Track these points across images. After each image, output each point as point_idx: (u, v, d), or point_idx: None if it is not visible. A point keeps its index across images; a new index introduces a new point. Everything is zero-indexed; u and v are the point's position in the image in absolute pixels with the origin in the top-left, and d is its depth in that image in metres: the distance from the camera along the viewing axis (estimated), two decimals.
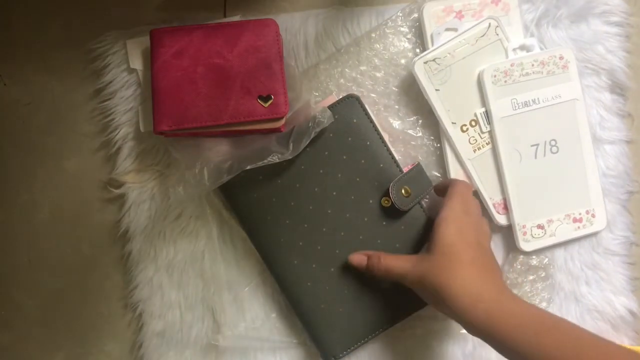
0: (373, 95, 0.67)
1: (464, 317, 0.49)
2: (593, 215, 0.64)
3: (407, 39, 0.67)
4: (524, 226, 0.64)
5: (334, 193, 0.63)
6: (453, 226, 0.54)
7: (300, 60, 0.69)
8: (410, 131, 0.67)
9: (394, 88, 0.67)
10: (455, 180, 0.60)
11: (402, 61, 0.67)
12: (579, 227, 0.65)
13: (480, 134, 0.64)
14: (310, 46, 0.69)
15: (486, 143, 0.64)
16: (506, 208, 0.65)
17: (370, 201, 0.63)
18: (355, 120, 0.63)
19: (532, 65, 0.63)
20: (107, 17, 0.72)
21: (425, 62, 0.63)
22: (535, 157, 0.64)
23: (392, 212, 0.63)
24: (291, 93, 0.64)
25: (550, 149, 0.64)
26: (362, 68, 0.67)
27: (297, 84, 0.65)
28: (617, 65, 0.67)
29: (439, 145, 0.66)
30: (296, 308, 0.65)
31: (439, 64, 0.63)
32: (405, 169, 0.63)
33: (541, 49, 0.66)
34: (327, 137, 0.63)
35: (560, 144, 0.64)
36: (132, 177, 0.69)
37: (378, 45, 0.67)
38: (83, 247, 0.72)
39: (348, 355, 0.66)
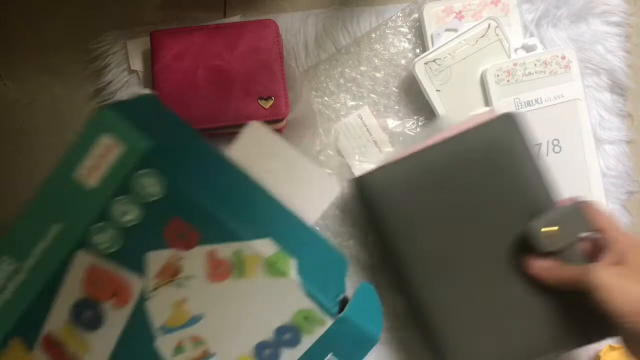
0: (373, 95, 0.67)
1: None
2: None
3: (407, 39, 0.67)
4: None
5: (479, 218, 0.56)
6: (632, 242, 0.51)
7: (300, 60, 0.69)
8: (410, 132, 0.67)
9: (394, 88, 0.67)
10: (594, 204, 0.55)
11: (402, 61, 0.67)
12: None
13: None
14: (310, 46, 0.69)
15: None
16: None
17: (519, 230, 0.55)
18: (511, 141, 0.56)
19: (535, 65, 0.63)
20: (107, 17, 0.71)
21: (425, 63, 0.63)
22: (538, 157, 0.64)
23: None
24: (291, 93, 0.64)
25: (553, 149, 0.64)
26: (362, 68, 0.67)
27: (297, 84, 0.65)
28: (617, 65, 0.67)
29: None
30: (427, 328, 0.58)
31: (439, 65, 0.63)
32: (561, 202, 0.56)
33: (543, 49, 0.66)
34: (480, 156, 0.56)
35: (562, 144, 0.64)
36: None
37: (378, 46, 0.67)
38: None
39: None
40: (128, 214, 0.49)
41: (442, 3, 0.65)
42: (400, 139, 0.66)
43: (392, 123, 0.67)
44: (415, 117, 0.67)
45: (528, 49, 0.65)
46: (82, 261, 0.50)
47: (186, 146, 0.53)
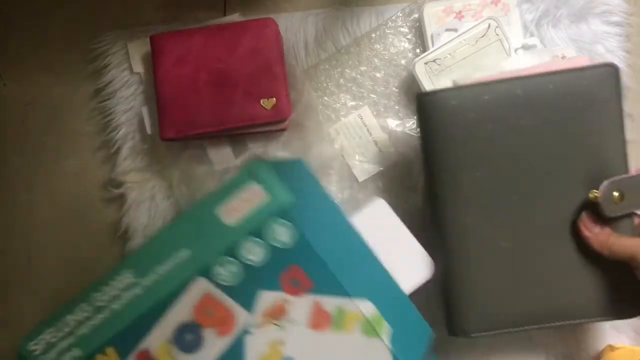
0: (373, 95, 0.67)
1: None
2: None
3: (407, 39, 0.67)
4: None
5: (544, 163, 0.53)
6: None
7: (301, 60, 0.69)
8: (410, 132, 0.67)
9: (394, 88, 0.67)
10: None
11: (402, 61, 0.67)
12: None
13: None
14: (310, 46, 0.69)
15: None
16: None
17: (579, 188, 0.53)
18: (603, 94, 0.52)
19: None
20: (107, 17, 0.72)
21: (425, 63, 0.63)
22: None
23: (596, 210, 0.52)
24: (293, 92, 0.64)
25: None
26: (362, 68, 0.67)
27: (299, 83, 0.65)
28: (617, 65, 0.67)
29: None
30: (450, 271, 0.56)
31: (439, 65, 0.63)
32: (632, 171, 0.53)
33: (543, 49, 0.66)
34: (565, 100, 0.52)
35: None
36: (131, 177, 0.69)
37: (378, 46, 0.67)
38: (83, 247, 0.72)
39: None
40: (254, 254, 0.54)
41: (442, 3, 0.65)
42: (400, 138, 0.66)
43: (392, 123, 0.67)
44: (416, 117, 0.67)
45: (528, 49, 0.65)
46: (200, 287, 0.55)
47: (319, 206, 0.58)
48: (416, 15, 0.67)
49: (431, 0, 0.65)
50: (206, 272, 0.55)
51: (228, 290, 0.55)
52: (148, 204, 0.69)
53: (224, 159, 0.66)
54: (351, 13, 0.69)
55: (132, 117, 0.69)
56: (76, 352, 0.56)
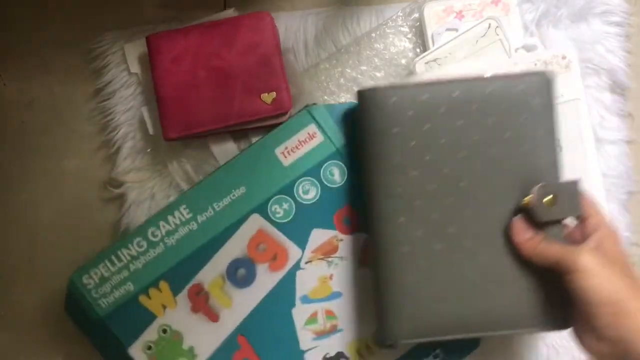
0: None
1: None
2: None
3: (408, 38, 0.67)
4: None
5: (478, 167, 0.53)
6: (613, 233, 0.51)
7: (301, 59, 0.69)
8: None
9: None
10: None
11: (403, 61, 0.67)
12: None
13: None
14: (310, 45, 0.69)
15: None
16: None
17: (511, 193, 0.53)
18: (537, 101, 0.53)
19: (535, 64, 0.63)
20: (107, 17, 0.72)
21: (426, 62, 0.63)
22: None
23: (528, 216, 0.53)
24: (293, 88, 0.65)
25: None
26: (363, 68, 0.67)
27: (299, 78, 0.65)
28: (617, 65, 0.67)
29: None
30: (379, 271, 0.55)
31: (439, 64, 0.63)
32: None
33: (543, 49, 0.66)
34: (500, 105, 0.53)
35: (562, 143, 0.64)
36: (131, 177, 0.69)
37: (378, 45, 0.67)
38: (83, 247, 0.72)
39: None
40: (309, 193, 0.59)
41: (442, 3, 0.65)
42: None
43: None
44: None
45: (528, 48, 0.65)
46: (255, 224, 0.60)
47: None
48: (416, 15, 0.67)
49: (431, 0, 0.65)
50: (261, 209, 0.60)
51: (282, 227, 0.60)
52: (148, 203, 0.69)
53: (228, 155, 0.67)
54: (351, 12, 0.69)
55: (132, 117, 0.69)
56: (129, 286, 0.60)
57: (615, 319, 0.44)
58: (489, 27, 0.63)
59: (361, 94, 0.55)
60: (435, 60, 0.63)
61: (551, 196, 0.51)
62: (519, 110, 0.53)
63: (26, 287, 0.72)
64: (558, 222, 0.52)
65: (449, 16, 0.65)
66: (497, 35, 0.64)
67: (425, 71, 0.63)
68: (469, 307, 0.53)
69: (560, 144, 0.63)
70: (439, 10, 0.65)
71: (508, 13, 0.66)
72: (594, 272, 0.46)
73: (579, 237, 0.51)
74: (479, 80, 0.53)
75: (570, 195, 0.51)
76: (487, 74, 0.54)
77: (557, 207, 0.51)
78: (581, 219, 0.52)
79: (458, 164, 0.53)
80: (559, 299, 0.49)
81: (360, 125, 0.55)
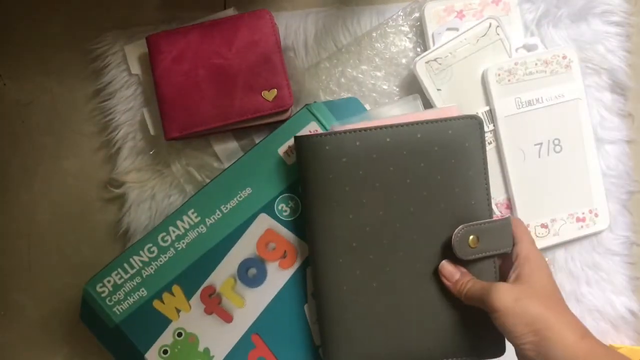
0: (374, 94, 0.67)
1: (567, 351, 0.45)
2: (596, 215, 0.65)
3: (408, 38, 0.67)
4: (527, 225, 0.64)
5: (411, 209, 0.55)
6: (543, 263, 0.51)
7: (301, 59, 0.69)
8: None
9: (395, 87, 0.67)
10: (517, 220, 0.56)
11: (403, 60, 0.67)
12: (582, 227, 0.65)
13: None
14: (311, 44, 0.69)
15: (488, 143, 0.64)
16: (509, 207, 0.65)
17: (444, 233, 0.55)
18: (467, 144, 0.55)
19: (536, 64, 0.63)
20: (107, 17, 0.71)
21: (426, 62, 0.63)
22: (539, 156, 0.64)
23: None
24: (294, 85, 0.65)
25: (554, 148, 0.64)
26: (363, 67, 0.67)
27: (300, 75, 0.65)
28: (617, 64, 0.67)
29: None
30: (321, 308, 0.57)
31: (440, 64, 0.63)
32: (495, 217, 0.56)
33: (543, 48, 0.66)
34: (431, 149, 0.54)
35: (563, 143, 0.64)
36: (132, 177, 0.69)
37: (379, 45, 0.67)
38: (83, 247, 0.72)
39: None
40: None
41: (443, 2, 0.65)
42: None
43: None
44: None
45: (529, 48, 0.65)
46: (263, 223, 0.60)
47: None
48: (417, 14, 0.67)
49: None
50: (268, 209, 0.60)
51: (290, 224, 0.60)
52: (148, 203, 0.69)
53: (230, 153, 0.67)
54: (352, 12, 0.69)
55: (133, 117, 0.69)
56: (143, 292, 0.60)
57: (539, 351, 0.45)
58: (490, 26, 0.63)
59: (297, 141, 0.56)
60: (435, 59, 0.63)
61: (473, 236, 0.53)
62: (450, 154, 0.55)
63: (26, 287, 0.72)
64: (490, 258, 0.54)
65: (449, 16, 0.65)
66: (498, 35, 0.64)
67: (427, 71, 0.63)
68: (407, 341, 0.56)
69: (560, 144, 0.64)
70: (440, 9, 0.65)
71: (508, 13, 0.66)
72: (508, 312, 0.47)
73: (509, 269, 0.52)
74: (409, 125, 0.54)
75: (495, 233, 0.53)
76: (419, 117, 0.55)
77: (482, 245, 0.53)
78: (512, 251, 0.53)
79: (392, 207, 0.55)
80: (492, 329, 0.49)
81: (299, 170, 0.57)
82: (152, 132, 0.67)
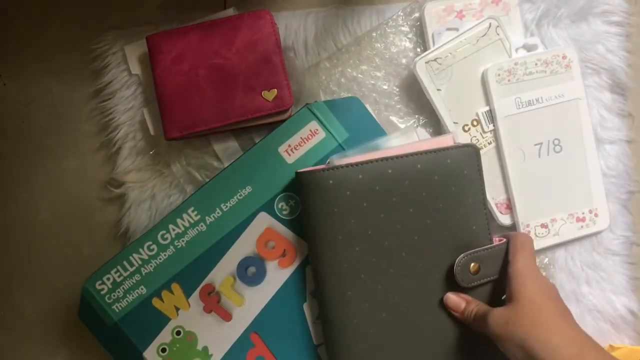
0: (374, 94, 0.67)
1: None
2: (596, 215, 0.65)
3: (408, 38, 0.67)
4: (527, 225, 0.64)
5: (415, 238, 0.55)
6: (531, 278, 0.50)
7: (301, 59, 0.69)
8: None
9: (395, 87, 0.67)
10: (517, 233, 0.56)
11: (403, 60, 0.67)
12: (582, 227, 0.65)
13: (482, 133, 0.64)
14: (311, 44, 0.69)
15: (488, 143, 0.64)
16: (509, 207, 0.65)
17: (447, 260, 0.55)
18: (465, 172, 0.56)
19: (536, 64, 0.63)
20: (107, 17, 0.71)
21: (426, 62, 0.63)
22: (539, 156, 0.64)
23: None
24: (294, 85, 0.65)
25: (554, 148, 0.64)
26: (363, 67, 0.67)
27: (300, 75, 0.65)
28: (617, 64, 0.67)
29: None
30: (332, 342, 0.57)
31: (440, 64, 0.63)
32: (495, 240, 0.57)
33: (543, 48, 0.66)
34: (432, 179, 0.55)
35: (563, 143, 0.64)
36: (132, 177, 0.69)
37: (379, 45, 0.67)
38: (83, 247, 0.72)
39: None
40: None
41: (443, 2, 0.65)
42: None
43: (393, 122, 0.67)
44: (417, 116, 0.67)
45: (529, 48, 0.65)
46: (263, 221, 0.60)
47: (373, 138, 0.61)
48: (417, 15, 0.67)
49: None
50: (268, 207, 0.60)
51: (289, 223, 0.60)
52: (148, 203, 0.69)
53: (230, 153, 0.67)
54: (352, 12, 0.69)
55: (133, 117, 0.69)
56: (142, 289, 0.60)
57: None
58: (490, 26, 0.63)
59: (300, 177, 0.56)
60: (435, 59, 0.63)
61: (474, 264, 0.54)
62: (450, 182, 0.56)
63: (26, 287, 0.72)
64: (488, 284, 0.55)
65: (449, 16, 0.65)
66: (498, 35, 0.64)
67: (427, 71, 0.63)
68: None
69: (560, 144, 0.64)
70: (440, 9, 0.65)
71: (508, 13, 0.66)
72: (501, 337, 0.48)
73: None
74: (409, 156, 0.55)
75: (496, 258, 0.55)
76: (418, 148, 0.56)
77: (483, 271, 0.54)
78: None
79: (397, 237, 0.55)
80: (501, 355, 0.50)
81: (302, 205, 0.57)
82: (152, 132, 0.67)
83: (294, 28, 0.69)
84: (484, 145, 0.64)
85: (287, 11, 0.70)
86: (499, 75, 0.63)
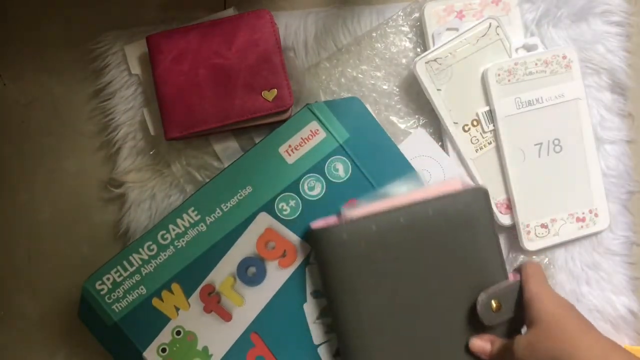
0: (374, 94, 0.67)
1: None
2: (596, 215, 0.64)
3: (408, 38, 0.67)
4: (527, 225, 0.64)
5: (433, 283, 0.56)
6: (547, 296, 0.51)
7: (301, 59, 0.69)
8: (411, 130, 0.67)
9: (395, 88, 0.67)
10: (525, 263, 0.56)
11: (403, 61, 0.67)
12: (582, 227, 0.65)
13: (482, 133, 0.64)
14: (311, 44, 0.69)
15: (488, 143, 0.64)
16: (509, 208, 0.65)
17: (467, 302, 0.55)
18: (476, 215, 0.56)
19: (536, 64, 0.63)
20: (107, 17, 0.72)
21: (426, 62, 0.63)
22: (539, 156, 0.64)
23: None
24: (294, 85, 0.65)
25: (554, 148, 0.64)
26: (363, 67, 0.67)
27: (300, 75, 0.65)
28: (617, 64, 0.67)
29: (440, 145, 0.66)
30: None
31: (440, 64, 0.63)
32: (510, 276, 0.57)
33: (543, 48, 0.66)
34: (444, 224, 0.56)
35: (563, 143, 0.64)
36: (132, 177, 0.69)
37: (379, 45, 0.67)
38: (83, 247, 0.72)
39: None
40: (315, 189, 0.60)
41: (443, 2, 0.65)
42: (401, 138, 0.66)
43: (393, 122, 0.67)
44: (417, 116, 0.67)
45: (529, 48, 0.65)
46: (263, 222, 0.60)
47: (373, 139, 0.62)
48: (417, 15, 0.67)
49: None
50: (268, 208, 0.61)
51: (289, 224, 0.61)
52: (148, 203, 0.69)
53: (230, 153, 0.67)
54: (352, 12, 0.69)
55: (133, 117, 0.69)
56: (142, 289, 0.60)
57: None
58: (490, 26, 0.63)
59: (315, 234, 0.57)
60: (435, 59, 0.63)
61: (495, 302, 0.54)
62: (462, 225, 0.56)
63: (26, 288, 0.72)
64: (509, 320, 0.55)
65: (449, 16, 0.65)
66: (498, 35, 0.64)
67: (427, 71, 0.63)
68: None
69: (560, 144, 0.64)
70: (440, 9, 0.65)
71: (508, 13, 0.66)
72: None
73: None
74: (420, 204, 0.56)
75: (515, 293, 0.54)
76: (427, 194, 0.57)
77: (504, 309, 0.54)
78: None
79: (414, 283, 0.56)
80: None
81: (318, 260, 0.58)
82: (152, 132, 0.68)
83: (293, 28, 0.69)
84: (484, 145, 0.64)
85: (286, 11, 0.70)
86: (499, 75, 0.63)
